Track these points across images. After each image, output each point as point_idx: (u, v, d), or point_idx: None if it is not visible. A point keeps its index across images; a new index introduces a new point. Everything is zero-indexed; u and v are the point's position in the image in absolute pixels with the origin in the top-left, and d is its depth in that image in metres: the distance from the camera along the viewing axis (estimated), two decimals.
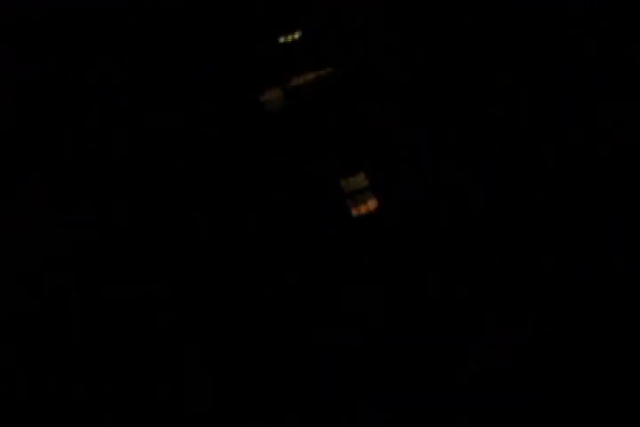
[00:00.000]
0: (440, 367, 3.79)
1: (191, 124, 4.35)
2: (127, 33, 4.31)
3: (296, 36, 3.97)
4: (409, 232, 4.13)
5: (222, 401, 3.85)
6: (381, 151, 4.18)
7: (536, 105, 4.28)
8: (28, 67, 4.15)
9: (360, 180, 4.10)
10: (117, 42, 4.29)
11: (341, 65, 3.98)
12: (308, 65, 4.20)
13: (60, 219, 4.16)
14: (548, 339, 3.77)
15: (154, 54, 4.30)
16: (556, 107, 4.27)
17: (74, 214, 4.18)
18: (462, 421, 3.67)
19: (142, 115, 4.28)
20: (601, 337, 3.72)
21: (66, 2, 4.14)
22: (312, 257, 4.09)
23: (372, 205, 4.07)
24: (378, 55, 4.05)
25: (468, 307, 3.92)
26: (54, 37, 4.14)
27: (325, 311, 4.00)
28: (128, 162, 4.27)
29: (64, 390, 3.87)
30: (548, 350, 3.75)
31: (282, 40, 3.99)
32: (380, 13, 4.22)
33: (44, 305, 3.97)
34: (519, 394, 3.69)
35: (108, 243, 4.19)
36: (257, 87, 4.22)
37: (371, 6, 4.26)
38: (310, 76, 3.99)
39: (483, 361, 3.74)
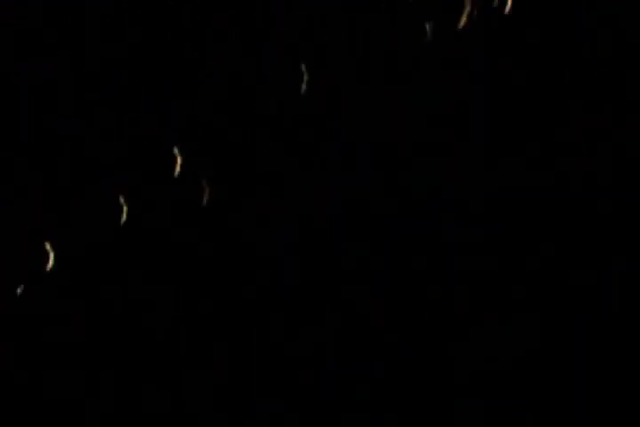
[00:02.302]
0: (440, 368, 3.79)
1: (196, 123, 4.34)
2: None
3: None
4: (409, 232, 4.13)
5: (222, 401, 3.85)
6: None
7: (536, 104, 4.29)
8: (26, 65, 4.14)
9: None
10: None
11: None
12: None
13: (60, 218, 4.15)
14: (548, 339, 3.78)
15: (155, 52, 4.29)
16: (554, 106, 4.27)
17: (73, 211, 4.17)
18: (462, 421, 3.67)
19: (145, 115, 4.27)
20: (601, 338, 3.73)
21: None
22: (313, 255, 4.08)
23: None
24: None
25: (468, 307, 3.92)
26: (54, 37, 4.13)
27: (326, 311, 4.00)
28: (128, 161, 4.26)
29: (64, 390, 3.87)
30: (548, 350, 3.75)
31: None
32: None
33: (44, 305, 3.96)
34: (519, 394, 3.69)
35: (107, 243, 4.18)
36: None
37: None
38: None
39: (483, 361, 3.74)
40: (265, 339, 3.95)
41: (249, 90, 4.40)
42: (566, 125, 4.17)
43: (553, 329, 3.77)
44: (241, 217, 4.26)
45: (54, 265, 4.02)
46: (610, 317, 3.74)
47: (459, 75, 4.41)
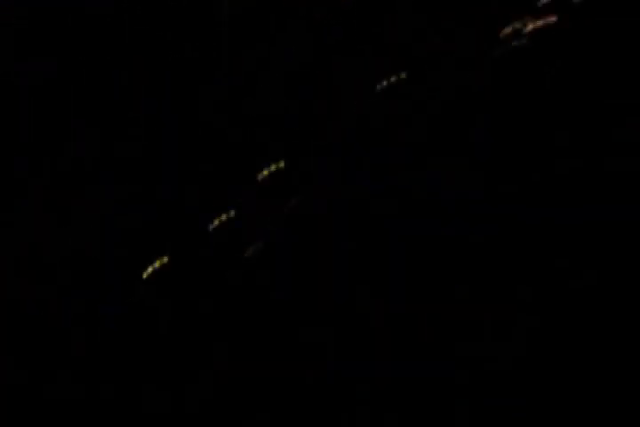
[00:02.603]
0: (440, 368, 3.78)
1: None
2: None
3: None
4: (412, 234, 4.13)
5: (222, 401, 3.84)
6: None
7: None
8: (26, 65, 4.13)
9: None
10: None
11: None
12: None
13: (61, 224, 4.15)
14: (548, 340, 3.77)
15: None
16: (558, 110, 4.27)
17: (73, 219, 4.17)
18: (462, 420, 3.66)
19: (147, 119, 4.27)
20: (600, 339, 3.72)
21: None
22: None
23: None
24: None
25: (468, 307, 3.92)
26: (54, 38, 4.12)
27: (329, 312, 4.00)
28: (127, 167, 4.26)
29: (64, 390, 3.87)
30: (548, 350, 3.75)
31: None
32: None
33: (45, 306, 3.96)
34: (518, 394, 3.68)
35: (106, 246, 4.18)
36: None
37: None
38: None
39: (483, 361, 3.74)
40: (265, 339, 3.94)
41: (249, 90, 4.39)
42: (567, 126, 4.16)
43: (553, 329, 3.76)
44: (242, 216, 4.25)
45: (55, 265, 4.01)
46: (610, 316, 3.73)
47: (459, 75, 4.40)
